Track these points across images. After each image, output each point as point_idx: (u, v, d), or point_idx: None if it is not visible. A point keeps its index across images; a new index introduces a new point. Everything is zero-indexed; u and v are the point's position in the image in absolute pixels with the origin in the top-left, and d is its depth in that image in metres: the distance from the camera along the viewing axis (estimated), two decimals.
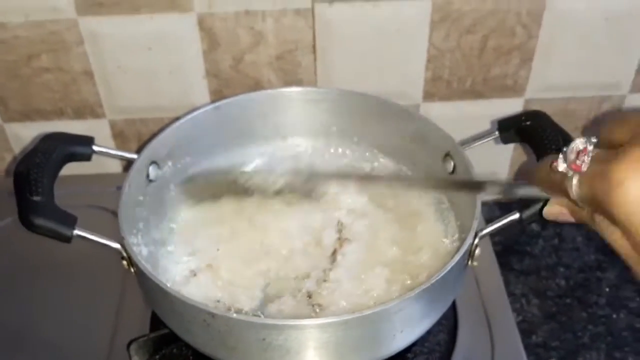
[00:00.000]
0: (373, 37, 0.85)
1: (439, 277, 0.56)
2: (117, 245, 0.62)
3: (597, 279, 0.90)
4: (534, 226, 0.97)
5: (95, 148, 0.70)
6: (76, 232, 0.61)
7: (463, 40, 0.86)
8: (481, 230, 0.61)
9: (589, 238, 0.95)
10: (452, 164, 0.71)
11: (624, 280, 0.89)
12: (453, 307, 0.75)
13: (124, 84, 0.89)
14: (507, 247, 0.94)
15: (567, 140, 0.62)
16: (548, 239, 0.95)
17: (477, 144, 0.71)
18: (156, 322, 0.70)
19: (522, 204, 0.60)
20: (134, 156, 0.70)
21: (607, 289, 0.88)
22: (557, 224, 0.96)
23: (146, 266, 0.60)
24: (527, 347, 0.81)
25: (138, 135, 0.94)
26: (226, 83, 0.89)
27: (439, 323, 0.72)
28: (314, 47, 0.86)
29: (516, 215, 0.60)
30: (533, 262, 0.92)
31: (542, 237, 0.96)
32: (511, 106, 0.92)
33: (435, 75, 0.89)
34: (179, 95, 0.90)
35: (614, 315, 0.85)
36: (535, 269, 0.91)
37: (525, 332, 0.83)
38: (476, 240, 0.61)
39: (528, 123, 0.67)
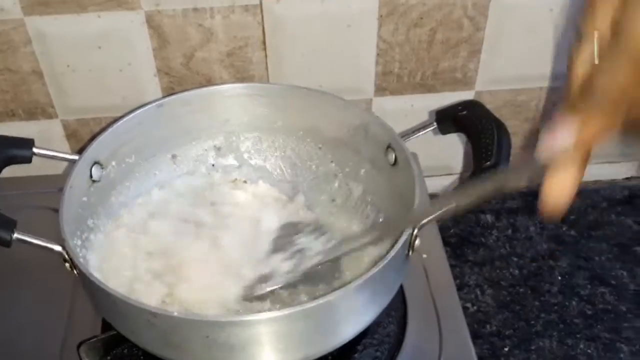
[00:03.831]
0: (323, 32, 0.86)
1: (378, 268, 0.57)
2: (58, 248, 0.61)
3: (550, 268, 0.91)
4: (489, 217, 0.98)
5: (35, 150, 0.69)
6: (16, 235, 0.61)
7: (411, 34, 0.86)
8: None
9: (542, 227, 0.96)
10: (393, 155, 0.71)
11: (576, 268, 0.91)
12: (402, 298, 0.75)
13: (74, 83, 0.88)
14: (462, 239, 0.95)
15: (501, 129, 0.64)
16: (502, 229, 0.96)
17: (416, 135, 0.72)
18: (107, 323, 0.70)
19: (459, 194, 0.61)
20: (75, 157, 0.70)
21: (560, 277, 0.90)
22: (511, 215, 0.98)
23: (87, 268, 0.60)
24: (482, 337, 0.82)
25: (92, 136, 0.93)
26: (178, 81, 0.89)
27: (388, 315, 0.73)
28: (264, 43, 0.86)
29: (452, 205, 0.61)
30: (487, 252, 0.93)
31: (496, 228, 0.97)
32: (462, 99, 0.92)
33: (385, 70, 0.90)
34: (131, 93, 0.89)
35: (566, 303, 0.87)
36: (490, 260, 0.92)
37: (480, 321, 0.84)
38: (415, 231, 0.61)
39: (464, 113, 0.68)
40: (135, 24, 0.83)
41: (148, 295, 0.68)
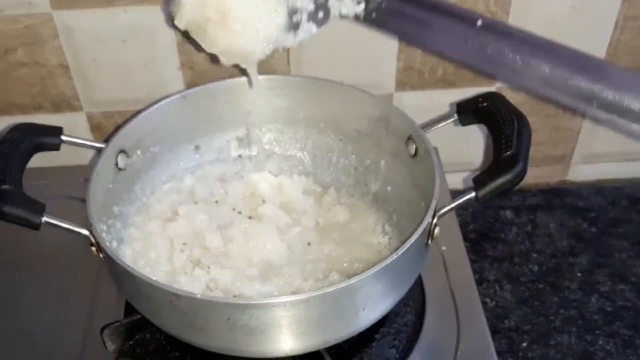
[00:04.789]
0: (345, 27, 0.86)
1: (398, 255, 0.57)
2: (85, 232, 0.63)
3: (569, 264, 0.91)
4: (508, 213, 0.98)
5: (63, 138, 0.71)
6: (45, 219, 0.62)
7: None
8: (440, 209, 0.62)
9: (561, 224, 0.96)
10: (414, 146, 0.72)
11: (596, 265, 0.91)
12: (421, 289, 0.76)
13: (100, 77, 0.90)
14: (481, 235, 0.95)
15: (521, 120, 0.64)
16: (521, 225, 0.97)
17: (437, 126, 0.72)
18: (130, 307, 0.71)
19: (477, 183, 0.61)
20: (102, 145, 0.71)
21: (579, 274, 0.90)
22: (530, 211, 0.98)
23: (113, 251, 0.61)
24: (500, 331, 0.82)
25: (116, 128, 0.95)
26: (201, 74, 0.90)
27: (406, 305, 0.73)
28: None
29: (472, 194, 0.61)
30: (506, 248, 0.94)
31: (515, 224, 0.97)
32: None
33: (406, 65, 0.90)
34: (154, 87, 0.91)
35: (586, 299, 0.87)
36: (509, 255, 0.93)
37: (499, 316, 0.85)
38: (435, 220, 0.62)
39: (485, 104, 0.68)
40: (160, 19, 0.84)
41: (192, 284, 0.69)
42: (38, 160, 0.71)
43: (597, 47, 0.90)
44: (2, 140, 0.67)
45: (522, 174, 0.60)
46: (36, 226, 0.62)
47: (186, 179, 0.82)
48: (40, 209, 0.63)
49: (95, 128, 0.95)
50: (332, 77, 0.82)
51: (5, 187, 0.62)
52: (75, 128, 0.94)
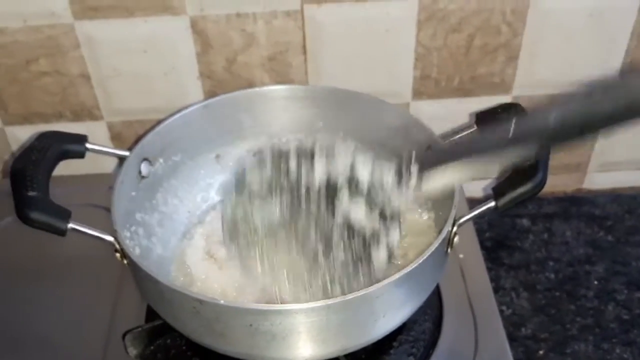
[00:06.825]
0: (362, 37, 0.87)
1: (418, 263, 0.58)
2: (110, 238, 0.64)
3: (586, 273, 0.91)
4: (524, 221, 0.99)
5: (88, 146, 0.72)
6: (70, 225, 0.64)
7: (449, 39, 0.88)
8: (459, 218, 0.63)
9: (578, 232, 0.97)
10: None
11: (613, 273, 0.91)
12: (439, 297, 0.76)
13: (120, 86, 0.91)
14: (497, 242, 0.96)
15: None
16: (538, 233, 0.97)
17: (457, 137, 0.73)
18: (151, 313, 0.72)
19: (497, 193, 0.62)
20: (126, 153, 0.73)
21: (596, 282, 0.90)
22: (547, 219, 0.98)
23: (138, 257, 0.62)
24: (517, 339, 0.83)
25: (136, 137, 0.96)
26: (220, 84, 0.91)
27: (424, 312, 0.74)
28: (304, 47, 0.88)
29: (492, 204, 0.62)
30: (523, 256, 0.94)
31: (532, 232, 0.97)
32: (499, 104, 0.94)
33: (423, 74, 0.91)
34: (174, 96, 0.92)
35: (602, 308, 0.87)
36: (525, 263, 0.93)
37: (515, 324, 0.85)
38: (455, 228, 0.63)
39: (504, 115, 0.69)
40: (180, 29, 0.86)
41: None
42: (59, 168, 0.72)
43: (613, 55, 0.90)
44: (29, 148, 0.68)
45: (542, 184, 0.61)
46: (62, 232, 0.63)
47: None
48: (67, 216, 0.64)
49: (115, 137, 0.97)
50: (349, 86, 0.83)
51: (33, 193, 0.64)
52: (95, 137, 0.95)
